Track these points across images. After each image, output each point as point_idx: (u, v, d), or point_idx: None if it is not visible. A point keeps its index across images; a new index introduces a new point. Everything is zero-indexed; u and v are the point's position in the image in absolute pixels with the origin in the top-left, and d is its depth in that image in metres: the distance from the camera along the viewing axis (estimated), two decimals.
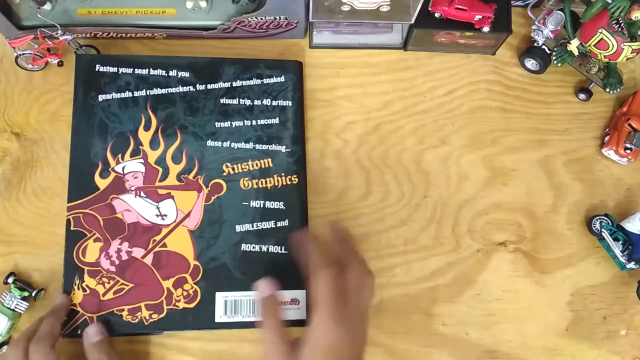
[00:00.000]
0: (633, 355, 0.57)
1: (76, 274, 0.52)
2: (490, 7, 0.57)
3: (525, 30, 0.64)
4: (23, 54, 0.58)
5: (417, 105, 0.62)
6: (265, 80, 0.58)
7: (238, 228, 0.54)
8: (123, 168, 0.54)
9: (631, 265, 0.56)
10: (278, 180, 0.55)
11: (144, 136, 0.55)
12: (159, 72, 0.57)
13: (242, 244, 0.53)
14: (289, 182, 0.55)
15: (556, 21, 0.59)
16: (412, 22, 0.57)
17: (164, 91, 0.56)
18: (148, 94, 0.56)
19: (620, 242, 0.57)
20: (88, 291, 0.51)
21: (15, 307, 0.52)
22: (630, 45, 0.55)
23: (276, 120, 0.57)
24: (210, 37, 0.61)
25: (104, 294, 0.51)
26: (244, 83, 0.57)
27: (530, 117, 0.62)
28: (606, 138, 0.61)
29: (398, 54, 0.63)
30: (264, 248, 0.53)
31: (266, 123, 0.56)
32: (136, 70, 0.57)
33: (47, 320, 0.49)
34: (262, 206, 0.54)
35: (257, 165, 0.55)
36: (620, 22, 0.54)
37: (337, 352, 0.43)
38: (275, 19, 0.57)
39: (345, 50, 0.62)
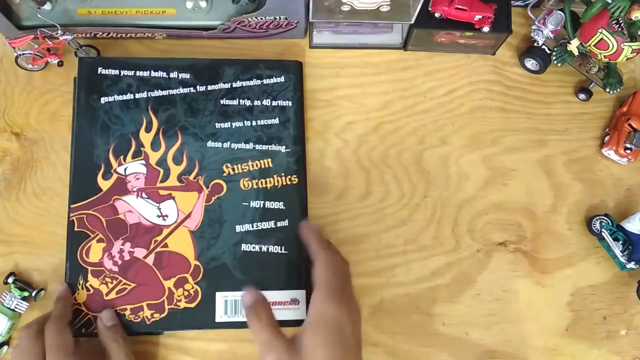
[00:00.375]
0: (633, 355, 0.57)
1: (80, 274, 0.52)
2: (490, 7, 0.57)
3: (525, 30, 0.64)
4: (23, 54, 0.58)
5: (417, 105, 0.62)
6: (265, 81, 0.58)
7: (238, 228, 0.54)
8: (125, 169, 0.54)
9: (631, 265, 0.56)
10: (278, 181, 0.55)
11: (145, 138, 0.55)
12: (160, 74, 0.57)
13: (242, 244, 0.53)
14: (288, 182, 0.55)
15: (556, 21, 0.59)
16: (412, 22, 0.57)
17: (164, 93, 0.56)
18: (149, 95, 0.56)
19: (620, 242, 0.57)
20: (92, 291, 0.52)
21: (15, 307, 0.52)
22: (630, 45, 0.55)
23: (276, 121, 0.57)
24: (210, 37, 0.61)
25: (107, 294, 0.52)
26: (244, 84, 0.57)
27: (530, 117, 0.62)
28: (606, 138, 0.61)
29: (398, 54, 0.63)
30: (264, 248, 0.54)
31: (266, 123, 0.56)
32: (137, 72, 0.57)
33: (58, 304, 0.50)
34: (262, 206, 0.54)
35: (257, 165, 0.55)
36: (620, 22, 0.54)
37: (339, 329, 0.43)
38: (275, 19, 0.57)
39: (345, 50, 0.62)
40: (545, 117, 0.62)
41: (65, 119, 0.59)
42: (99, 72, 0.57)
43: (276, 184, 0.55)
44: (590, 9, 0.54)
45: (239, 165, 0.55)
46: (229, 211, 0.54)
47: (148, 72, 0.57)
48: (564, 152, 0.61)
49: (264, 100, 0.57)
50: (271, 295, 0.51)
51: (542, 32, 0.60)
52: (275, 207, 0.54)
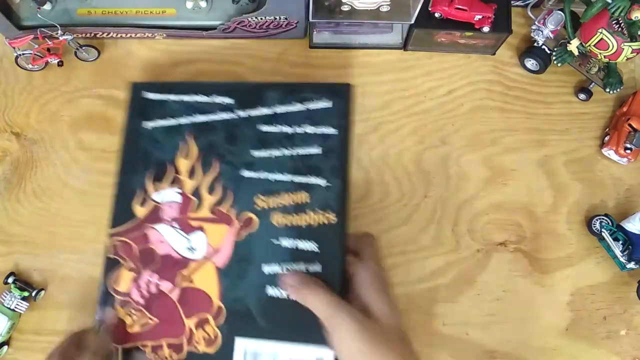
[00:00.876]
0: (633, 355, 0.57)
1: (108, 302, 0.49)
2: (490, 7, 0.57)
3: (525, 30, 0.64)
4: (23, 54, 0.58)
5: (417, 105, 0.62)
6: (309, 106, 0.51)
7: (266, 269, 0.48)
8: (160, 197, 0.51)
9: (631, 265, 0.56)
10: (314, 218, 0.48)
11: (183, 164, 0.51)
12: (203, 98, 0.53)
13: (269, 288, 0.47)
14: (325, 221, 0.48)
15: (556, 21, 0.59)
16: (412, 22, 0.57)
17: (205, 118, 0.52)
18: (190, 121, 0.53)
19: (620, 242, 0.57)
20: (117, 321, 0.48)
21: (15, 307, 0.52)
22: (630, 45, 0.55)
23: (317, 150, 0.50)
24: (210, 37, 0.61)
25: (130, 326, 0.48)
26: (286, 109, 0.52)
27: (530, 117, 0.62)
28: (606, 138, 0.61)
29: (398, 54, 0.63)
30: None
31: (306, 153, 0.50)
32: (181, 96, 0.53)
33: (101, 337, 0.46)
34: (293, 246, 0.48)
35: (292, 199, 0.49)
36: (620, 22, 0.54)
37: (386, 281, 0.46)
38: (275, 19, 0.57)
39: (345, 50, 0.62)
40: (545, 117, 0.62)
41: (65, 119, 0.59)
42: (143, 96, 0.54)
43: (311, 221, 0.48)
44: (590, 9, 0.54)
45: (273, 198, 0.49)
46: (258, 249, 0.48)
47: (191, 96, 0.53)
48: (564, 152, 0.61)
49: (306, 127, 0.51)
50: (293, 351, 0.46)
51: (542, 32, 0.60)
52: (308, 248, 0.48)
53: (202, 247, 0.49)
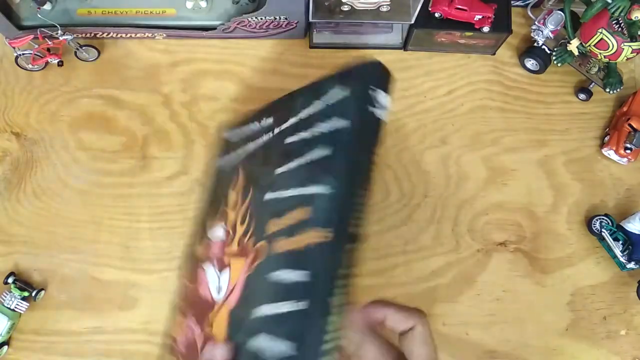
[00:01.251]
0: (633, 355, 0.57)
1: (167, 347, 0.45)
2: (490, 7, 0.57)
3: (525, 30, 0.64)
4: (23, 54, 0.58)
5: (417, 105, 0.62)
6: (328, 101, 0.39)
7: (259, 310, 0.35)
8: (212, 233, 0.45)
9: (631, 265, 0.56)
10: (311, 238, 0.34)
11: (231, 197, 0.45)
12: (255, 126, 0.47)
13: (261, 335, 0.33)
14: (318, 240, 0.33)
15: (556, 21, 0.59)
16: (412, 22, 0.57)
17: (254, 146, 0.46)
18: (245, 151, 0.47)
19: (620, 242, 0.57)
20: None
21: (15, 307, 0.52)
22: (630, 45, 0.55)
23: (327, 151, 0.37)
24: (210, 37, 0.61)
25: None
26: (308, 112, 0.41)
27: (530, 117, 0.62)
28: (606, 138, 0.61)
29: (398, 54, 0.63)
30: (277, 346, 0.32)
31: (316, 157, 0.37)
32: (242, 128, 0.50)
33: None
34: (287, 279, 0.34)
35: (294, 217, 0.36)
36: (620, 22, 0.54)
37: None
38: (275, 19, 0.57)
39: (345, 50, 0.62)
40: (545, 117, 0.62)
41: (65, 119, 0.59)
42: (221, 135, 0.52)
43: (309, 242, 0.34)
44: (590, 9, 0.54)
45: (281, 220, 0.37)
46: (257, 284, 0.37)
47: (248, 126, 0.49)
48: (564, 152, 0.61)
49: (322, 127, 0.38)
50: None
51: (542, 32, 0.60)
52: (299, 279, 0.33)
53: (224, 287, 0.41)
